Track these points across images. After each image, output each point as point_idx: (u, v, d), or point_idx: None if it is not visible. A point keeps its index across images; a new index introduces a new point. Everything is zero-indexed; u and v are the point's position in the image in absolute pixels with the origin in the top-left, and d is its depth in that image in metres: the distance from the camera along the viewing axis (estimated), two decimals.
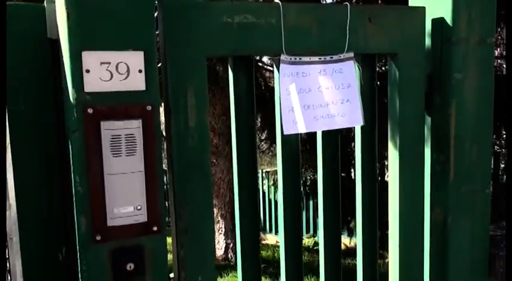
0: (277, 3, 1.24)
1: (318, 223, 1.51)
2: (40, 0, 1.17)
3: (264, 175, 8.17)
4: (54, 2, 1.11)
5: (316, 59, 1.29)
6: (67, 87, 1.04)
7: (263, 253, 6.26)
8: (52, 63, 1.15)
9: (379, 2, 4.44)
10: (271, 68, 6.65)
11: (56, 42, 1.13)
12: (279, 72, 1.26)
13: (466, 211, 1.47)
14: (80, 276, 1.10)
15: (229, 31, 1.20)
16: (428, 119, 1.48)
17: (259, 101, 4.90)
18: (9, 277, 1.19)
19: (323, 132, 1.39)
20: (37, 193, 1.17)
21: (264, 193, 7.95)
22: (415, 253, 1.49)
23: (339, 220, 1.50)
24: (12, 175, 1.15)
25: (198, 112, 1.19)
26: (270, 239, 7.37)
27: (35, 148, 1.16)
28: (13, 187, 1.15)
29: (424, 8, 1.41)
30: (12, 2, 1.19)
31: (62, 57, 1.07)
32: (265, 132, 6.02)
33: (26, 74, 1.13)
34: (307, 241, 6.87)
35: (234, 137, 1.29)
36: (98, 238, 1.07)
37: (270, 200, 7.81)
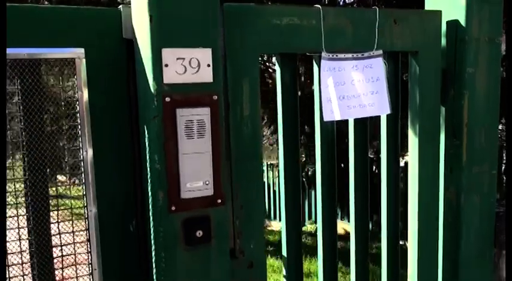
0: (318, 7, 1.40)
1: (351, 210, 1.67)
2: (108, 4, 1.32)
3: (268, 167, 8.40)
4: (130, 7, 1.27)
5: (349, 56, 1.46)
6: (146, 79, 1.20)
7: (270, 237, 6.53)
8: (126, 59, 1.30)
9: (382, 5, 4.61)
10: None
11: (131, 41, 1.28)
12: (319, 67, 1.42)
13: (476, 190, 1.64)
14: (154, 242, 1.26)
15: (278, 31, 1.36)
16: (443, 109, 1.65)
17: (266, 99, 5.08)
18: (88, 245, 1.34)
19: (354, 120, 1.56)
20: (112, 172, 1.32)
21: (268, 184, 8.21)
22: (432, 227, 1.66)
23: (367, 207, 1.67)
24: (92, 156, 1.30)
25: (252, 103, 1.36)
26: (274, 225, 7.66)
27: (111, 133, 1.31)
28: (93, 166, 1.30)
29: (440, 11, 1.58)
30: (93, 7, 1.34)
31: (140, 54, 1.22)
32: (272, 127, 6.22)
33: (104, 71, 1.29)
34: (309, 226, 7.13)
35: (280, 123, 1.45)
36: (173, 208, 1.23)
37: (274, 191, 8.16)
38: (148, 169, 1.24)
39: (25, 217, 1.28)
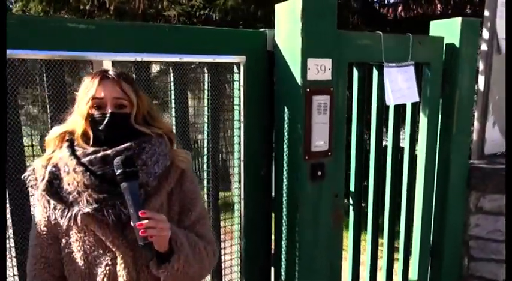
0: (379, 33, 2.04)
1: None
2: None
3: None
4: (272, 30, 1.83)
5: (393, 64, 2.12)
6: (293, 77, 1.77)
7: None
8: (267, 64, 1.86)
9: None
10: None
11: (272, 52, 1.85)
12: (378, 72, 2.07)
13: (459, 151, 2.40)
14: (288, 178, 1.85)
15: (358, 48, 1.99)
16: (440, 100, 2.37)
17: None
18: (239, 180, 1.89)
19: (394, 106, 2.23)
20: (256, 135, 1.89)
21: None
22: (431, 175, 2.40)
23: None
24: (244, 126, 1.85)
25: (342, 93, 1.97)
26: None
27: (256, 111, 1.87)
28: (245, 132, 1.85)
29: (443, 37, 2.29)
30: (247, 29, 1.88)
31: (285, 61, 1.79)
32: None
33: (255, 71, 1.84)
34: None
35: (355, 106, 2.09)
36: (306, 157, 1.82)
37: None
38: (290, 133, 1.82)
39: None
